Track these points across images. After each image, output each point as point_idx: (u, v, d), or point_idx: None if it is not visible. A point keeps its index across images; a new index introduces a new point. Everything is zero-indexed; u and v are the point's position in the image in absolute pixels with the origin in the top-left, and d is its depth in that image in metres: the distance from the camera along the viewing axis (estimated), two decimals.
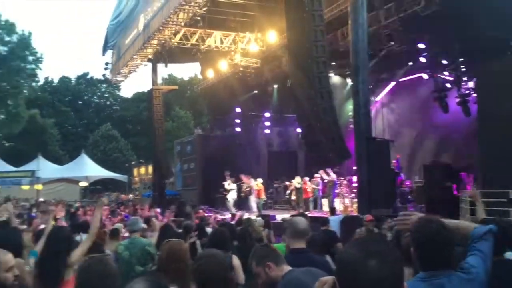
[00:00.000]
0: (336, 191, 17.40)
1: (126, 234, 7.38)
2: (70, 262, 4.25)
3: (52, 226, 6.15)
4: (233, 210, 18.83)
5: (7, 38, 41.93)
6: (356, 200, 15.20)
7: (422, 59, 16.99)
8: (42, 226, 8.44)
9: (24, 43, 41.80)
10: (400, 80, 19.63)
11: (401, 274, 1.47)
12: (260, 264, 3.07)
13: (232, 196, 19.89)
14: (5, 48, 41.07)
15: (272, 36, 21.09)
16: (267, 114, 24.05)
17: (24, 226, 9.79)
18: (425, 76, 18.13)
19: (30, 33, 42.46)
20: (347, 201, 17.06)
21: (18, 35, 42.26)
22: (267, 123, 24.18)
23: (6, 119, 44.12)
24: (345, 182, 17.68)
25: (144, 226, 8.26)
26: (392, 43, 16.65)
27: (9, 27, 42.19)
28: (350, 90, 17.41)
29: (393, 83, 20.19)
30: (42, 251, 4.64)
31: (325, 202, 17.48)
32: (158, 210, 17.37)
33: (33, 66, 43.19)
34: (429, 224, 2.36)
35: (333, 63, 18.26)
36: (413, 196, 16.16)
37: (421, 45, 16.30)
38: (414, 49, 16.68)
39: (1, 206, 6.42)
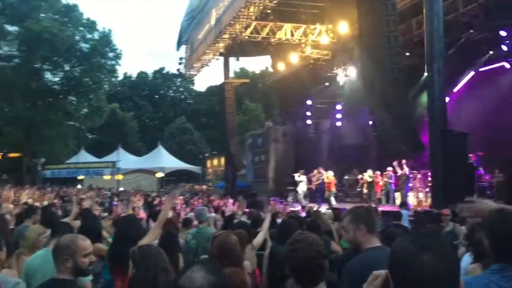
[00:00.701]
0: (410, 184, 16.92)
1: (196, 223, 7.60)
2: None
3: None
4: (304, 202, 18.86)
5: (89, 36, 44.11)
6: (430, 194, 14.74)
7: (504, 47, 16.07)
8: (122, 214, 8.95)
9: (105, 40, 43.74)
10: (480, 70, 18.66)
11: (456, 269, 1.45)
12: (354, 222, 3.01)
13: (302, 188, 19.93)
14: (87, 46, 43.19)
15: (343, 27, 20.77)
16: (339, 107, 23.75)
17: (106, 214, 10.41)
18: (507, 65, 17.13)
19: (110, 30, 44.44)
20: (421, 195, 16.53)
21: (99, 33, 44.32)
22: (339, 116, 23.89)
23: (89, 112, 46.54)
24: (419, 176, 17.12)
25: (213, 215, 8.53)
26: (471, 31, 15.90)
27: (91, 25, 44.32)
28: (425, 81, 16.80)
29: (472, 73, 19.24)
30: (113, 238, 4.93)
31: (398, 196, 17.08)
32: (231, 201, 17.77)
33: (113, 62, 45.13)
34: (508, 217, 2.31)
35: (407, 54, 17.73)
36: (493, 192, 15.40)
37: (503, 33, 15.44)
38: (495, 37, 15.83)
39: (87, 194, 6.91)
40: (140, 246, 3.54)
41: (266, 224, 5.90)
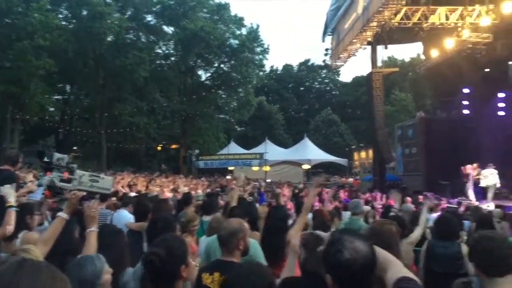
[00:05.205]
0: None
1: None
2: (288, 240, 4.41)
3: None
4: (473, 198, 17.44)
5: (237, 32, 45.94)
6: None
7: None
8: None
9: (253, 35, 45.18)
10: None
11: None
12: None
13: (487, 183, 18.02)
14: (236, 41, 45.00)
15: (508, 7, 18.80)
16: (501, 95, 21.63)
17: (257, 204, 10.72)
18: None
19: (258, 26, 45.80)
20: None
21: (247, 29, 45.94)
22: (501, 104, 21.76)
23: (237, 106, 48.66)
24: None
25: (367, 208, 8.29)
26: None
27: (239, 22, 46.11)
28: None
29: None
30: (264, 229, 4.97)
31: None
32: (379, 194, 17.23)
33: (260, 56, 46.48)
34: None
35: None
36: None
37: None
38: None
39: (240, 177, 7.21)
40: (311, 232, 3.63)
41: (423, 219, 5.62)
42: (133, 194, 11.75)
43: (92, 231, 3.08)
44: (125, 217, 6.07)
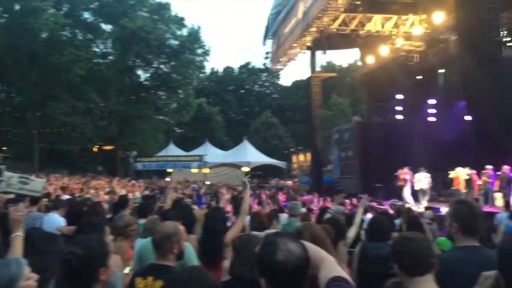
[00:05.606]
0: None
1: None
2: (226, 242, 4.34)
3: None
4: (411, 200, 17.98)
5: (178, 33, 45.40)
6: None
7: None
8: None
9: (194, 36, 44.82)
10: None
11: None
12: (451, 217, 3.05)
13: (420, 186, 18.59)
14: (177, 42, 44.47)
15: (439, 17, 19.71)
16: (432, 101, 22.62)
17: (195, 206, 10.61)
18: None
19: (199, 27, 45.51)
20: None
21: (188, 29, 45.52)
22: (432, 111, 22.75)
23: (177, 107, 48.08)
24: None
25: (304, 210, 8.39)
26: None
27: (179, 22, 45.58)
28: None
29: None
30: (202, 231, 4.90)
31: (497, 196, 15.87)
32: (316, 196, 17.56)
33: (201, 58, 46.17)
34: None
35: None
36: None
37: None
38: None
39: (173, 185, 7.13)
40: (240, 235, 3.57)
41: (358, 219, 5.71)
42: (66, 196, 11.34)
43: (18, 236, 2.88)
44: (55, 220, 5.84)
